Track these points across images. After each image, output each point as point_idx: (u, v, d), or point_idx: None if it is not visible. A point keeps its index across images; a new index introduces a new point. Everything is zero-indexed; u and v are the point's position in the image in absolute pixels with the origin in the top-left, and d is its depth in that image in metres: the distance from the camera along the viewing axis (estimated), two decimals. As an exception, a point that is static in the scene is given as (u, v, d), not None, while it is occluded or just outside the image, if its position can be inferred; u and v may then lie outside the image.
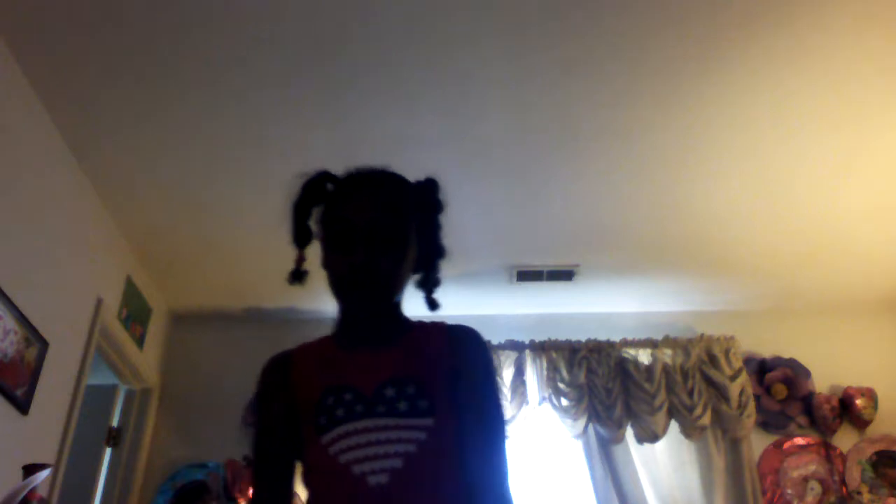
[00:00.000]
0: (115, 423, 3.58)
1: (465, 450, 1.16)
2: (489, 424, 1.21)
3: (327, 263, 1.24)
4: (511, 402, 3.59)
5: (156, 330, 3.78)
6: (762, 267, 3.62)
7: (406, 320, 1.28)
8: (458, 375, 1.19)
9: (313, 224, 1.27)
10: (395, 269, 1.21)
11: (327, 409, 1.16)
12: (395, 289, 1.24)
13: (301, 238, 1.27)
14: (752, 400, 3.59)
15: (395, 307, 1.27)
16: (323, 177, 1.28)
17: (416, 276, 1.29)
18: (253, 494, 1.23)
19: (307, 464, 1.19)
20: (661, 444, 3.56)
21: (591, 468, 3.53)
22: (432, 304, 1.28)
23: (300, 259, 1.26)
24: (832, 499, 3.49)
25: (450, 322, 1.27)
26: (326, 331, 1.27)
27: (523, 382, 3.65)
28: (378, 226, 1.20)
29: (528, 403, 3.62)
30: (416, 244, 1.25)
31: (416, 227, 1.25)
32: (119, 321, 3.33)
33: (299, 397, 1.21)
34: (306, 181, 1.28)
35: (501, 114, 2.71)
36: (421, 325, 1.27)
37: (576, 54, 2.47)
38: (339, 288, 1.22)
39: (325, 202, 1.27)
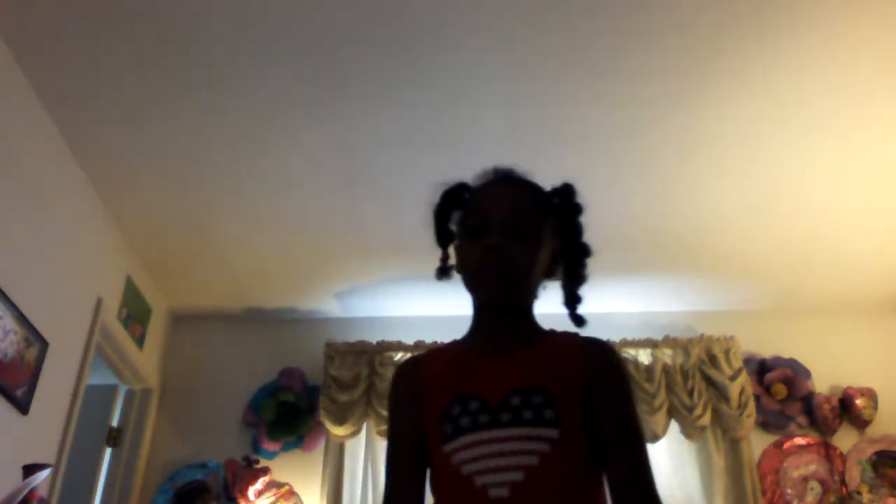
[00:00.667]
0: (115, 423, 3.58)
1: (595, 464, 1.14)
2: (632, 436, 1.18)
3: (462, 261, 1.27)
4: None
5: (156, 330, 3.78)
6: (762, 267, 3.61)
7: (538, 328, 1.28)
8: (591, 388, 1.17)
9: (453, 226, 1.33)
10: (528, 260, 1.22)
11: (453, 418, 1.16)
12: (527, 282, 1.24)
13: (443, 239, 1.33)
14: (751, 400, 3.59)
15: (527, 309, 1.27)
16: (461, 187, 1.34)
17: (560, 282, 1.30)
18: (385, 500, 1.23)
19: (433, 471, 1.19)
20: (661, 444, 3.56)
21: (591, 468, 3.53)
22: (578, 321, 1.28)
23: (445, 257, 1.32)
24: (832, 499, 3.48)
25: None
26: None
27: (523, 383, 3.65)
28: (514, 218, 1.23)
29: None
30: (551, 247, 1.27)
31: (552, 229, 1.27)
32: (119, 321, 3.33)
33: (426, 404, 1.21)
34: (446, 190, 1.34)
35: (498, 114, 2.71)
36: (553, 334, 1.26)
37: (574, 54, 2.47)
38: (472, 277, 1.25)
39: (462, 208, 1.32)
